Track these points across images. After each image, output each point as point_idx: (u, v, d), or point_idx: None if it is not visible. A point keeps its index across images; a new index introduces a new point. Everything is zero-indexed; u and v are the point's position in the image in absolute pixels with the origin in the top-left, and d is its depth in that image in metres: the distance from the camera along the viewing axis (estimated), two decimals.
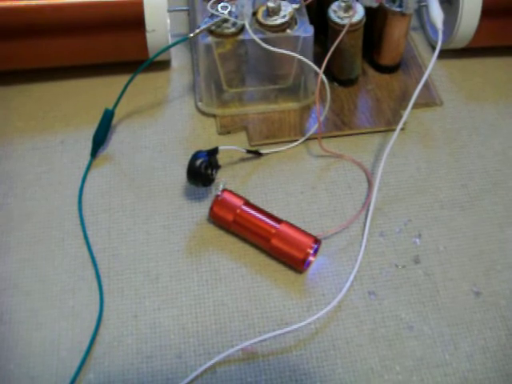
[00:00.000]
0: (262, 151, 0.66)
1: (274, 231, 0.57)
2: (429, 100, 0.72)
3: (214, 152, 0.60)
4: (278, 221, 0.58)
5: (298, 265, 0.57)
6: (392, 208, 0.63)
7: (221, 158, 0.63)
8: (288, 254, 0.57)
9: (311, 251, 0.56)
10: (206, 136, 0.69)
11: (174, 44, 0.65)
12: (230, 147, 0.64)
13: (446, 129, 0.71)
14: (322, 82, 0.63)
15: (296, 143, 0.67)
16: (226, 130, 0.68)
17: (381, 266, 0.59)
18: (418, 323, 0.56)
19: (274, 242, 0.57)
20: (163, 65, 0.76)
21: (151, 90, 0.73)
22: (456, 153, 0.68)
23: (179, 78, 0.75)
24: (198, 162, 0.57)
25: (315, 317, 0.55)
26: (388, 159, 0.65)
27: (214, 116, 0.70)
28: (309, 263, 0.58)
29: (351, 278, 0.58)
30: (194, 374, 0.52)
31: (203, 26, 0.61)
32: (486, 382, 0.53)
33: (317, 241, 0.57)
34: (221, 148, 0.60)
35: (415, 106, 0.69)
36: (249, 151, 0.64)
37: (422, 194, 0.65)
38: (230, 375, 0.52)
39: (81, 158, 0.67)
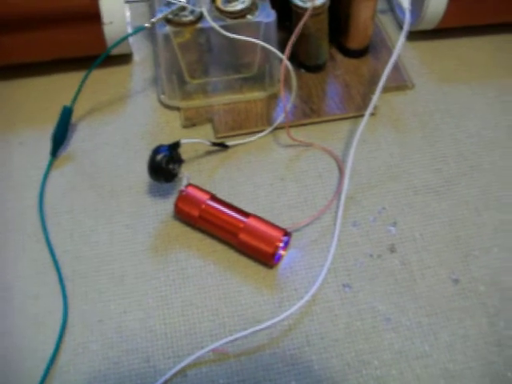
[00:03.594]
0: (228, 143, 0.64)
1: (241, 225, 0.55)
2: (400, 83, 0.70)
3: (175, 146, 0.57)
4: (246, 214, 0.55)
5: (267, 259, 0.55)
6: (365, 196, 0.61)
7: (185, 152, 0.61)
8: (257, 249, 0.54)
9: (281, 245, 0.54)
10: (170, 130, 0.66)
11: (128, 35, 0.63)
12: (194, 140, 0.62)
13: (419, 112, 0.69)
14: (288, 69, 0.60)
15: (263, 133, 0.65)
16: (190, 123, 0.66)
17: (355, 256, 0.57)
18: (396, 315, 0.54)
19: (242, 236, 0.54)
20: (124, 59, 0.73)
21: (112, 85, 0.71)
22: (429, 136, 0.67)
23: (141, 71, 0.73)
24: (159, 156, 0.55)
25: (288, 313, 0.53)
26: (359, 146, 0.63)
27: (178, 109, 0.68)
28: (279, 257, 0.56)
29: (324, 270, 0.56)
30: (164, 378, 0.50)
31: (159, 15, 0.59)
32: (467, 372, 0.51)
33: (286, 233, 0.55)
34: (183, 141, 0.58)
35: (386, 89, 0.68)
36: (214, 143, 0.62)
37: (395, 181, 0.63)
38: (201, 378, 0.50)
39: (41, 159, 0.64)
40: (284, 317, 0.52)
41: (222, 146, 0.63)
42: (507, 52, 0.76)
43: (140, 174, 0.62)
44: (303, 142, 0.65)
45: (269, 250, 0.54)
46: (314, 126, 0.67)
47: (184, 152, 0.60)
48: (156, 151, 0.56)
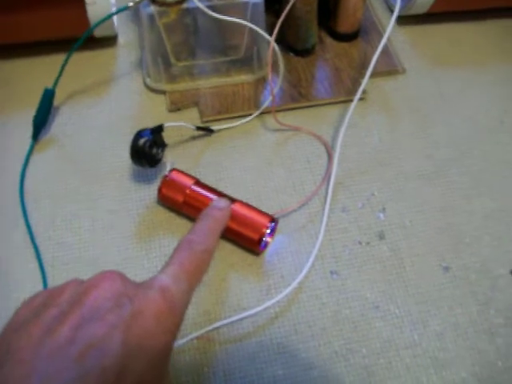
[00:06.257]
0: (213, 127, 0.62)
1: None
2: (390, 68, 0.69)
3: (158, 129, 0.56)
4: (232, 200, 0.54)
5: (253, 246, 0.53)
6: (354, 182, 0.60)
7: (171, 137, 0.60)
8: (243, 236, 0.53)
9: (267, 231, 0.53)
10: (156, 114, 0.65)
11: (111, 15, 0.61)
12: (177, 124, 0.60)
13: (410, 97, 0.68)
14: (276, 52, 0.59)
15: (249, 118, 0.64)
16: (175, 107, 0.65)
17: (343, 243, 0.56)
18: (384, 303, 0.53)
19: (228, 223, 0.53)
20: (109, 41, 0.71)
21: (96, 67, 0.69)
22: (420, 122, 0.65)
23: (126, 54, 0.71)
24: (142, 141, 0.54)
25: (274, 300, 0.52)
26: (349, 130, 0.62)
27: (164, 92, 0.66)
28: (265, 244, 0.55)
29: (312, 257, 0.54)
30: None
31: None
32: (457, 361, 0.50)
33: (273, 220, 0.54)
34: (167, 125, 0.57)
35: (376, 74, 0.67)
36: (198, 128, 0.61)
37: (385, 167, 0.61)
38: (186, 366, 0.49)
39: (22, 143, 0.62)
40: (270, 304, 0.51)
41: (207, 131, 0.62)
42: (499, 37, 0.75)
43: (124, 158, 0.61)
44: (291, 127, 0.63)
45: (254, 236, 0.52)
46: (302, 111, 0.65)
47: (169, 136, 0.59)
48: (138, 135, 0.54)
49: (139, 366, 0.31)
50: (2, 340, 0.32)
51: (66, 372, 0.29)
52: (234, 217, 0.53)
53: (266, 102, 0.63)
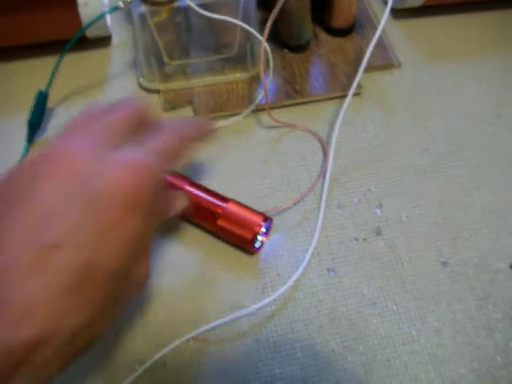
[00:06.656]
0: None
1: (219, 211, 0.53)
2: (386, 62, 0.69)
3: None
4: (225, 200, 0.54)
5: (247, 245, 0.53)
6: (350, 178, 0.60)
7: None
8: (236, 235, 0.53)
9: (261, 230, 0.52)
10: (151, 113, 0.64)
11: (102, 15, 0.60)
12: None
13: (406, 91, 0.67)
14: (267, 51, 0.59)
15: (241, 115, 0.63)
16: (170, 106, 0.64)
17: (340, 240, 0.56)
18: (382, 299, 0.53)
19: (221, 222, 0.53)
20: (103, 42, 0.71)
21: (91, 68, 0.69)
22: (416, 116, 0.65)
23: (121, 54, 0.70)
24: None
25: (270, 298, 0.51)
26: (344, 126, 0.62)
27: (159, 92, 0.66)
28: (260, 244, 0.54)
29: (308, 254, 0.54)
30: (143, 367, 0.48)
31: None
32: (455, 357, 0.50)
33: (267, 219, 0.53)
34: None
35: (372, 69, 0.67)
36: None
37: (381, 162, 0.61)
38: (182, 367, 0.49)
39: (17, 146, 0.62)
40: (266, 303, 0.51)
41: None
42: (495, 29, 0.74)
43: None
44: (286, 124, 0.63)
45: (248, 235, 0.52)
46: (297, 107, 0.65)
47: None
48: None
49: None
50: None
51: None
52: (227, 216, 0.53)
53: (258, 99, 0.63)
